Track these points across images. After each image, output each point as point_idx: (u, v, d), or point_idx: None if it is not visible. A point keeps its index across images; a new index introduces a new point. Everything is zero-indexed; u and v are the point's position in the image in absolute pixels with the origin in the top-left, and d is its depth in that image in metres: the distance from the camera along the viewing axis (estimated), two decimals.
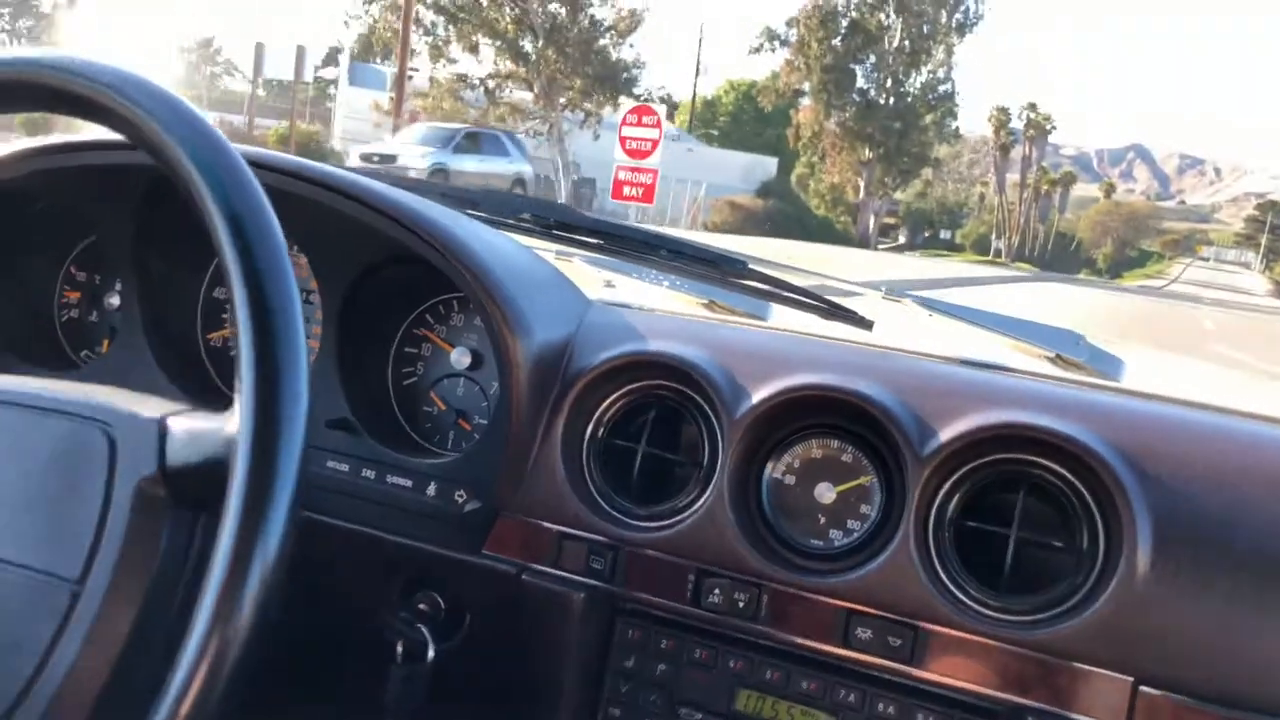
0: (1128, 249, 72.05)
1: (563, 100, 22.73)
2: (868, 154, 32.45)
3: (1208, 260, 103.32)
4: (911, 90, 32.24)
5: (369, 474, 0.93)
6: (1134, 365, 1.01)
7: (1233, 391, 1.16)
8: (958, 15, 31.58)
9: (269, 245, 0.53)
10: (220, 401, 0.98)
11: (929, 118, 32.58)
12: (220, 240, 0.53)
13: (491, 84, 22.70)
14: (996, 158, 52.97)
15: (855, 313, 1.07)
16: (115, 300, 1.10)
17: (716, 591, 0.81)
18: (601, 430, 0.90)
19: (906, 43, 31.10)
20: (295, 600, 0.95)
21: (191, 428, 0.56)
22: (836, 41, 31.08)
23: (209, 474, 0.54)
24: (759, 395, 0.83)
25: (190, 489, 0.55)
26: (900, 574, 0.77)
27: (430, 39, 21.45)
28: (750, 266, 1.08)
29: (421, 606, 0.94)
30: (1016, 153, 51.68)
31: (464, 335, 1.00)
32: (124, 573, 0.54)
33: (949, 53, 31.87)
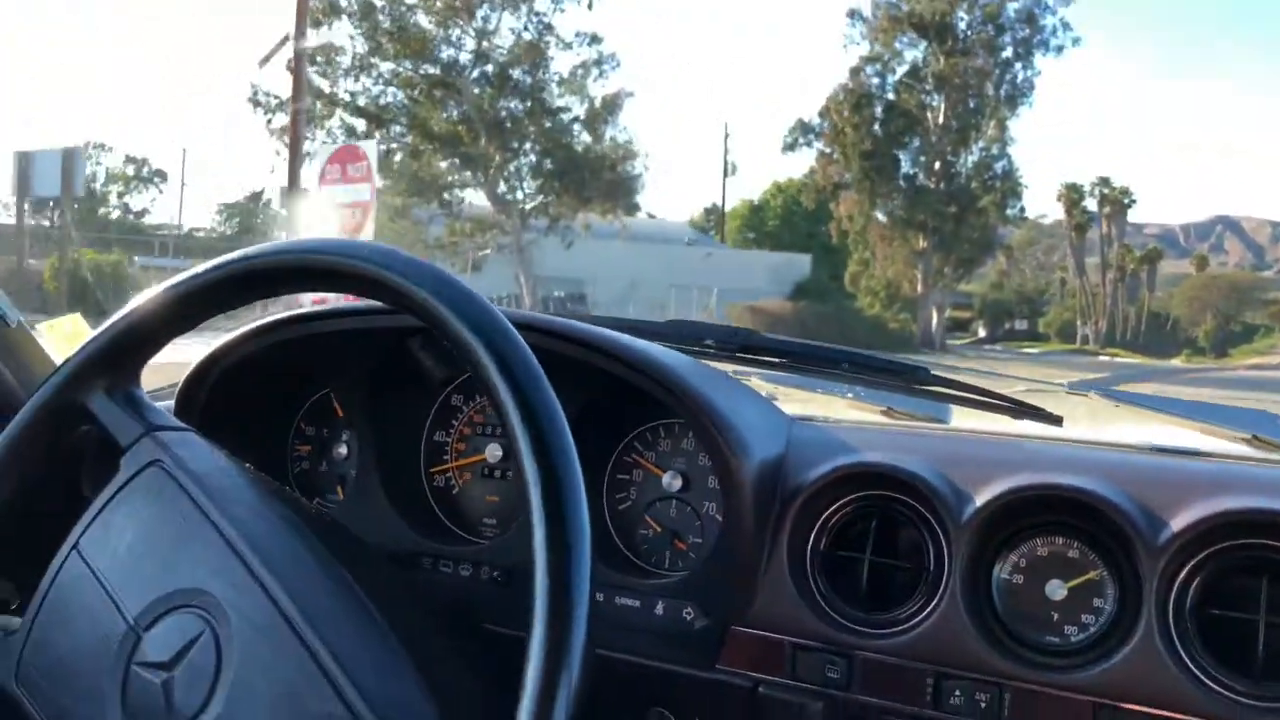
0: (1231, 324, 70.82)
1: (527, 207, 21.81)
2: (922, 243, 32.13)
3: None
4: (964, 170, 32.14)
5: (599, 596, 1.06)
6: None
7: None
8: (1005, 86, 31.57)
9: (550, 413, 0.69)
10: (448, 538, 1.17)
11: (987, 199, 32.26)
12: (505, 407, 0.67)
13: (446, 196, 21.91)
14: (1072, 238, 52.87)
15: (1043, 409, 1.21)
16: (343, 450, 1.29)
17: (957, 693, 0.90)
18: (824, 541, 1.01)
19: (953, 121, 31.20)
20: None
21: None
22: (875, 127, 31.31)
23: None
24: (982, 498, 0.93)
25: None
26: (1146, 664, 0.84)
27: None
28: (933, 373, 1.24)
29: None
30: (1096, 234, 51.81)
31: (673, 459, 1.15)
32: None
33: (1001, 127, 31.87)
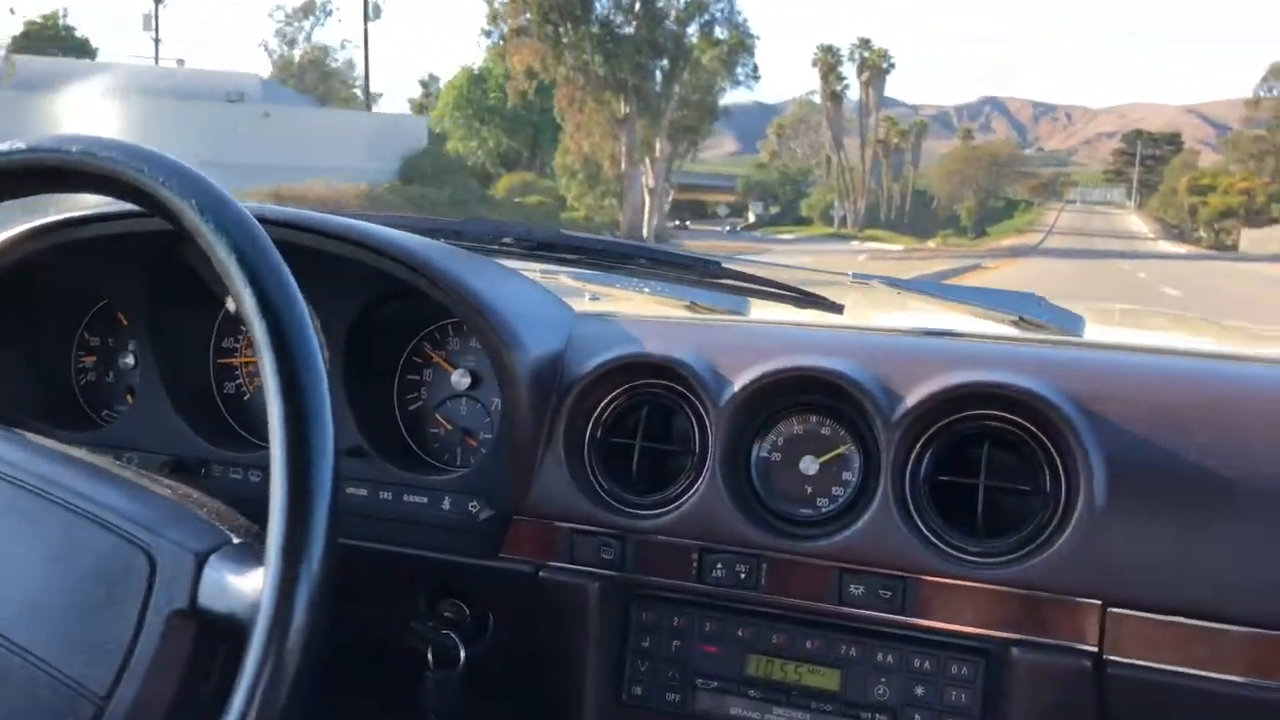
0: (991, 200, 78.49)
1: None
2: (623, 108, 29.18)
3: (1075, 203, 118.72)
4: (673, 9, 29.26)
5: (386, 495, 1.24)
6: (1093, 320, 1.44)
7: (1183, 335, 1.62)
8: None
9: (290, 304, 0.75)
10: (238, 444, 1.28)
11: (710, 54, 29.92)
12: (244, 301, 0.75)
13: None
14: (828, 109, 55.42)
15: (825, 299, 1.46)
16: (130, 360, 1.41)
17: (719, 566, 1.12)
18: (600, 431, 1.21)
19: None
20: (331, 619, 1.24)
21: (225, 579, 0.75)
22: None
23: (232, 626, 0.72)
24: (739, 383, 1.14)
25: (218, 628, 0.73)
26: (883, 530, 1.06)
27: None
28: (723, 265, 1.44)
29: (448, 614, 1.26)
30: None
31: (462, 357, 1.32)
32: (149, 693, 0.74)
33: None
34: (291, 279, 0.76)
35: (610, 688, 1.19)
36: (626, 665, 1.19)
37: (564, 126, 30.83)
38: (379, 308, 1.28)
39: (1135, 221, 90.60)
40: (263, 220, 0.80)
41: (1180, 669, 0.96)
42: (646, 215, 30.61)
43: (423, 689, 1.23)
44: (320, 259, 1.19)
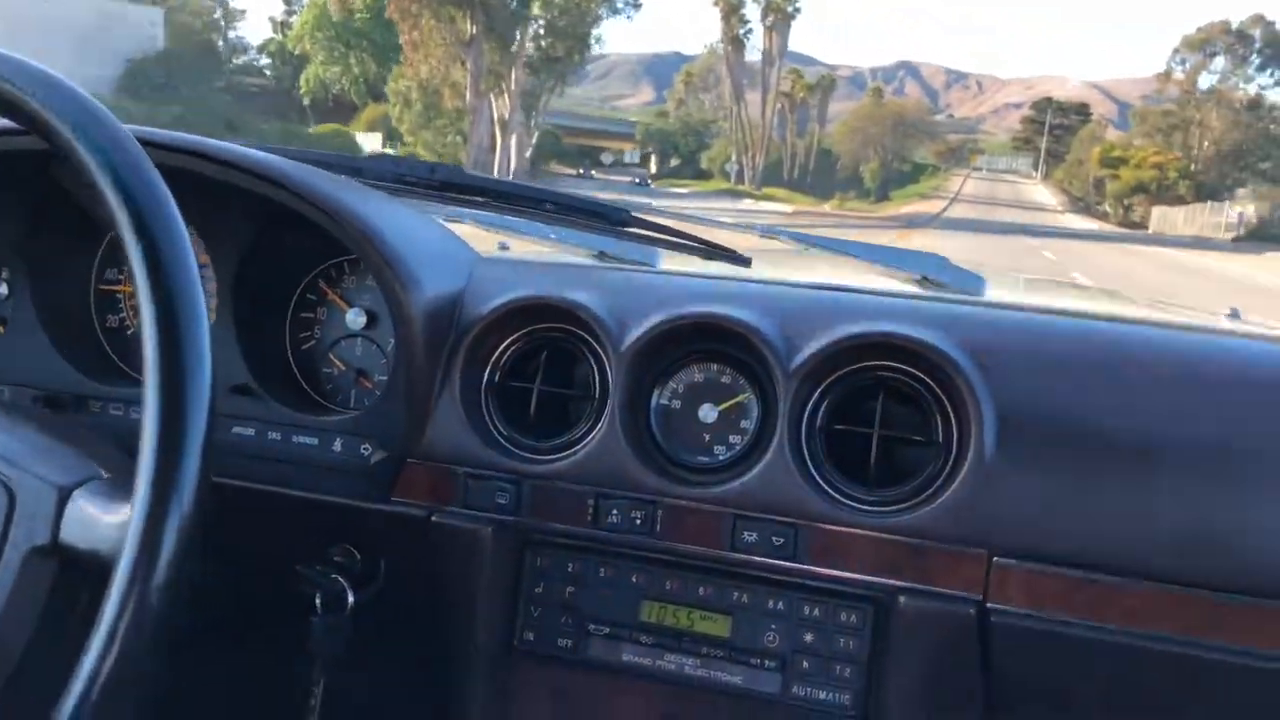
0: (896, 162, 79.61)
1: None
2: (469, 26, 26.25)
3: (981, 170, 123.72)
4: None
5: (275, 435, 1.29)
6: (995, 282, 1.55)
7: (1085, 300, 1.74)
8: None
9: (167, 226, 0.76)
10: (119, 379, 1.32)
11: None
12: (119, 222, 0.76)
13: None
14: (729, 54, 54.74)
15: (734, 251, 1.54)
16: (3, 289, 1.39)
17: (615, 512, 1.19)
18: (498, 374, 1.28)
19: None
20: (217, 560, 1.30)
21: (90, 514, 0.76)
22: None
23: (96, 563, 0.73)
24: (640, 328, 1.20)
25: (81, 566, 0.75)
26: (777, 477, 1.14)
27: None
28: (632, 214, 1.51)
29: (338, 558, 1.31)
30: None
31: (358, 296, 1.36)
32: (5, 633, 0.76)
33: None
34: (170, 202, 0.78)
35: (502, 634, 1.27)
36: (519, 611, 1.27)
37: (404, 47, 27.98)
38: (271, 240, 1.31)
39: (1042, 192, 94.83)
40: (146, 143, 0.82)
41: (1060, 618, 1.08)
42: (497, 157, 28.13)
43: (309, 633, 1.28)
44: (210, 187, 1.21)
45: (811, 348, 1.17)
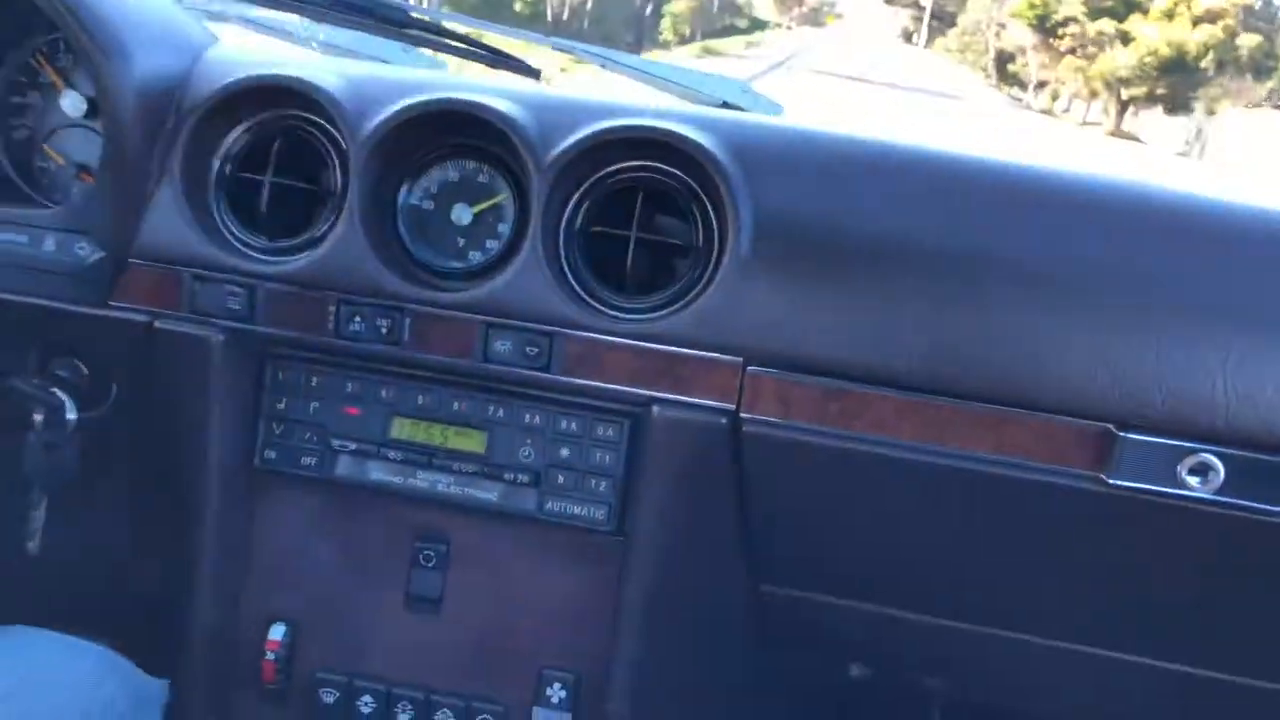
0: (726, 14, 62.29)
1: None
2: None
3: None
4: None
5: None
6: (795, 109, 1.45)
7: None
8: None
9: None
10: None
11: None
12: None
13: None
14: None
15: (522, 61, 1.40)
16: None
17: (358, 319, 1.07)
18: (228, 166, 1.13)
19: None
20: None
21: None
22: None
23: None
24: (383, 114, 1.07)
25: None
26: (530, 282, 1.04)
27: None
28: (412, 16, 1.35)
29: (60, 372, 1.16)
30: None
31: (78, 80, 1.17)
32: None
33: None
34: None
35: (241, 452, 1.15)
36: (259, 429, 1.14)
37: None
38: None
39: (931, 63, 53.88)
40: None
41: (810, 425, 1.01)
42: None
43: (26, 452, 1.13)
44: None
45: (568, 141, 1.05)
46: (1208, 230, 1.04)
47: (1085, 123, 32.63)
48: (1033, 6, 35.80)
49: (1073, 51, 33.61)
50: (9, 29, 1.16)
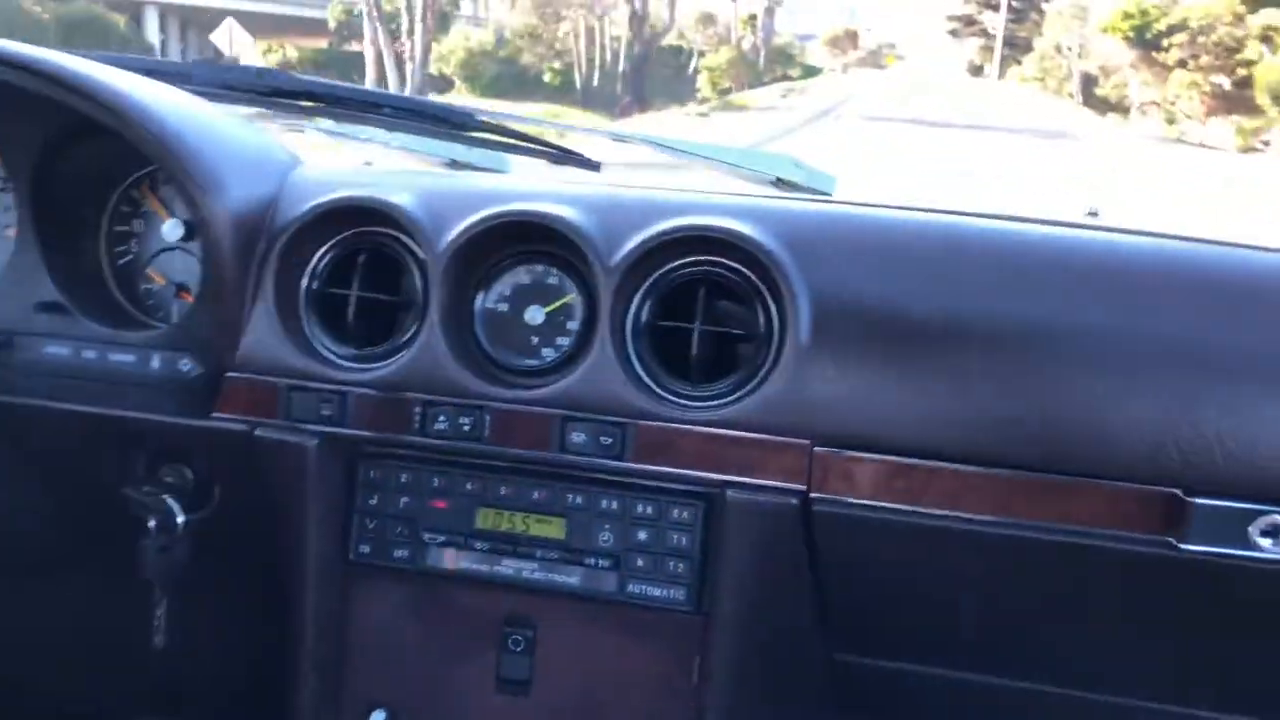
0: (776, 62, 53.16)
1: None
2: None
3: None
4: None
5: (90, 354, 1.20)
6: (846, 181, 1.50)
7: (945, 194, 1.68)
8: None
9: None
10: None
11: None
12: None
13: None
14: None
15: (581, 155, 1.46)
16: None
17: (442, 418, 1.14)
18: (315, 282, 1.20)
19: None
20: (41, 486, 1.21)
21: None
22: None
23: None
24: (457, 228, 1.14)
25: None
26: (602, 376, 1.10)
27: None
28: (477, 118, 1.42)
29: (168, 479, 1.24)
30: None
31: (176, 207, 1.26)
32: None
33: None
34: None
35: (336, 548, 1.21)
36: (353, 525, 1.20)
37: None
38: (72, 148, 1.21)
39: (1018, 94, 43.96)
40: None
41: (879, 503, 1.04)
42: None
43: (143, 556, 1.21)
44: None
45: (630, 243, 1.11)
46: (1266, 295, 1.05)
47: (1203, 145, 25.88)
48: (1128, 17, 30.23)
49: (1183, 64, 28.37)
50: (114, 166, 1.25)
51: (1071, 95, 40.04)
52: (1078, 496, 1.01)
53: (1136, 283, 1.06)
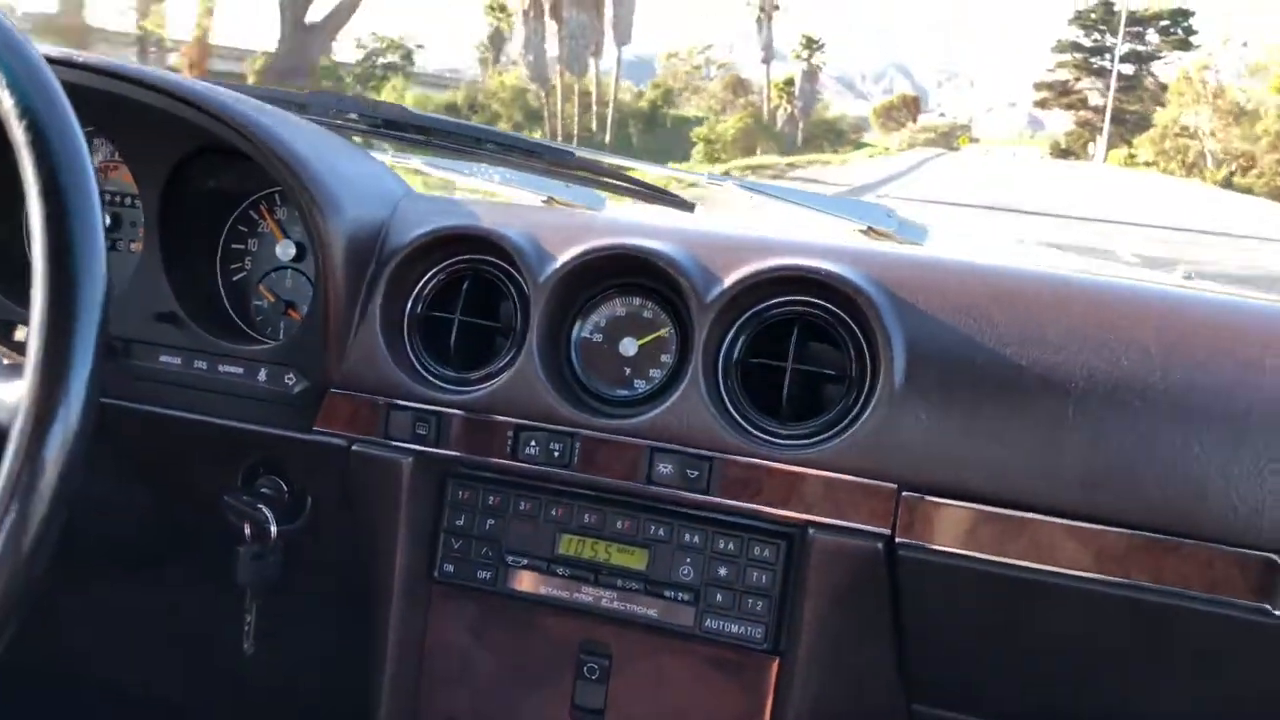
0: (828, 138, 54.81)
1: None
2: None
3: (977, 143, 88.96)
4: None
5: (201, 365, 1.25)
6: (939, 232, 1.50)
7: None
8: None
9: (61, 125, 0.73)
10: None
11: None
12: (15, 135, 0.72)
13: None
14: None
15: (676, 195, 1.49)
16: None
17: (533, 443, 1.15)
18: (420, 306, 1.23)
19: None
20: (146, 487, 1.24)
21: None
22: None
23: None
24: (560, 259, 1.16)
25: None
26: (692, 410, 1.11)
27: None
28: (577, 155, 1.45)
29: (265, 489, 1.27)
30: None
31: (290, 228, 1.31)
32: None
33: None
34: (63, 101, 0.75)
35: (422, 565, 1.22)
36: (440, 543, 1.22)
37: None
38: (199, 169, 1.26)
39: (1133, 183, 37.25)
40: (62, 63, 0.79)
41: (965, 552, 1.03)
42: None
43: (236, 563, 1.24)
44: (135, 113, 1.17)
45: (728, 281, 1.12)
46: None
47: None
48: None
49: None
50: (235, 187, 1.30)
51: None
52: (1170, 556, 0.99)
53: (1235, 343, 1.05)
